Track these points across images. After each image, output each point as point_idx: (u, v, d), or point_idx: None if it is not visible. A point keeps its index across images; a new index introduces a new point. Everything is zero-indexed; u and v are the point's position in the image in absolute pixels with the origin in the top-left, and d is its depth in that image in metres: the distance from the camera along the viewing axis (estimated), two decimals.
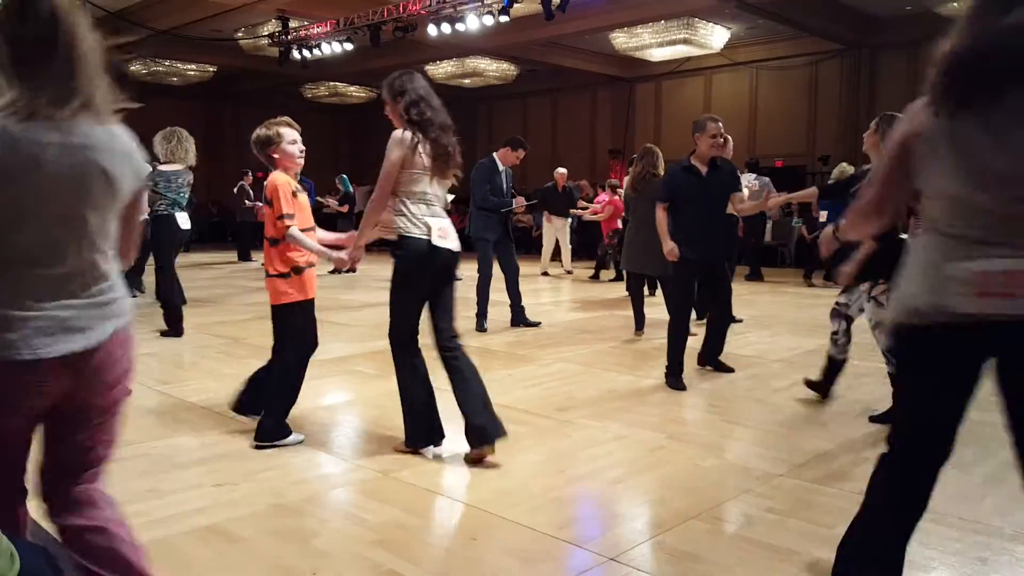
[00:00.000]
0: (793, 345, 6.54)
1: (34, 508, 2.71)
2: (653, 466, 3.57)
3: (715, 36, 15.34)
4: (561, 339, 6.89)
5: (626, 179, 7.57)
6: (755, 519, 2.96)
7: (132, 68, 18.60)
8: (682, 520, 2.94)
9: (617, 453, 3.76)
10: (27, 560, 1.23)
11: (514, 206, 7.37)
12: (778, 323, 7.80)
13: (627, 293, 7.57)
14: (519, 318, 7.51)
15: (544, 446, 3.86)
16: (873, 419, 4.29)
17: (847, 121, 16.46)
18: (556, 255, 13.50)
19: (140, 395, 4.75)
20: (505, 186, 7.32)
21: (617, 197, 12.40)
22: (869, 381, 5.24)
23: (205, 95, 21.55)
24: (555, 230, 12.92)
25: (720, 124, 5.29)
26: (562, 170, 13.03)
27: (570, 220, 12.95)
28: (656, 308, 7.50)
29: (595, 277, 12.50)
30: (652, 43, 15.26)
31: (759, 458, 3.68)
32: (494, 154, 7.34)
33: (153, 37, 15.13)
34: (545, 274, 12.90)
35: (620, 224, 11.94)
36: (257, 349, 6.29)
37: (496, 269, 7.28)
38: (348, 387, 5.18)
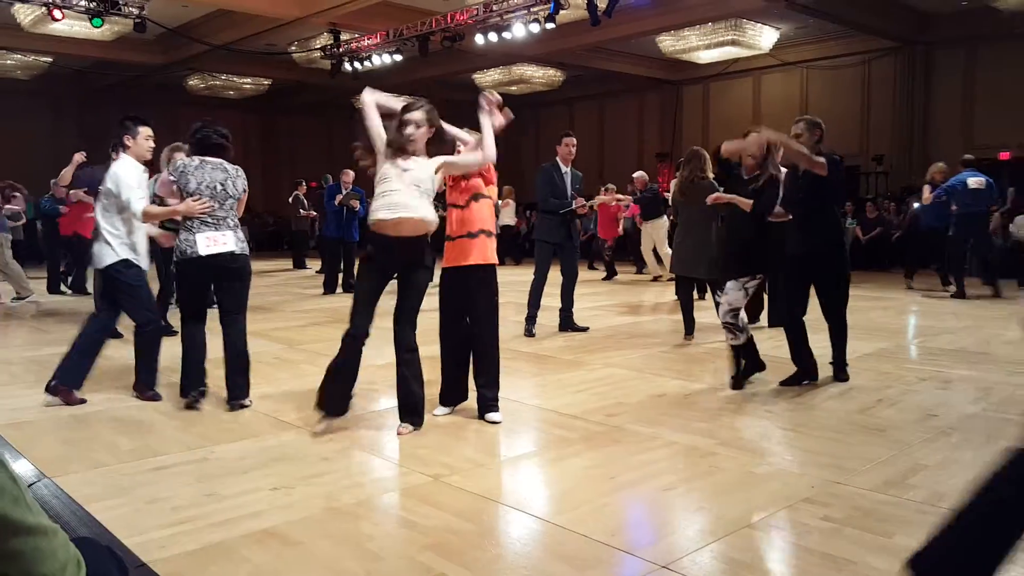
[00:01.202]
0: (849, 349, 6.40)
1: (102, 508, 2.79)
2: (706, 473, 3.54)
3: (764, 37, 15.15)
4: (610, 344, 6.87)
5: (673, 183, 7.52)
6: (810, 527, 2.91)
7: (191, 83, 19.14)
8: (736, 528, 2.91)
9: (668, 459, 3.73)
10: (93, 565, 1.27)
11: (574, 206, 7.29)
12: None
13: (676, 297, 7.51)
14: (567, 323, 7.51)
15: (594, 452, 3.85)
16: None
17: (902, 120, 16.11)
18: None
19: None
20: (569, 188, 7.26)
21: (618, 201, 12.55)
22: (928, 386, 5.13)
23: (260, 107, 22.05)
24: (648, 234, 12.69)
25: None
26: (638, 173, 12.90)
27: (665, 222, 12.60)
28: (706, 312, 7.43)
29: (608, 277, 13.32)
30: (699, 45, 15.15)
31: (814, 465, 3.62)
32: (557, 157, 7.34)
33: (210, 52, 15.56)
34: (656, 279, 12.69)
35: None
36: (312, 355, 6.41)
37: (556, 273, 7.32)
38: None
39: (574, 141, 7.29)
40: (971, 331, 7.35)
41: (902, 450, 3.82)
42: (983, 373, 5.52)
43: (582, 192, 7.48)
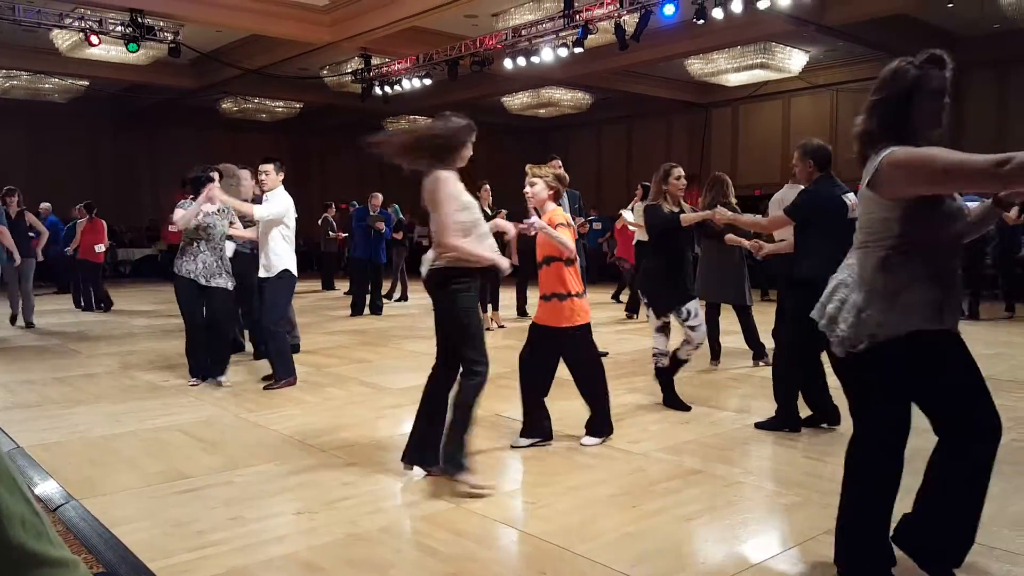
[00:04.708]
0: None
1: (139, 535, 2.81)
2: (730, 502, 3.51)
3: (793, 60, 15.10)
4: (633, 368, 6.82)
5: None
6: (832, 561, 2.86)
7: (224, 106, 19.50)
8: (761, 559, 2.88)
9: (692, 488, 3.70)
10: None
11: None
12: None
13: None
14: None
15: (617, 480, 3.83)
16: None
17: None
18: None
19: (226, 424, 4.94)
20: (566, 210, 7.26)
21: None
22: None
23: (291, 130, 22.37)
24: None
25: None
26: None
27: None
28: (732, 337, 7.38)
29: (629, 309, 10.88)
30: (728, 68, 15.12)
31: (838, 495, 3.55)
32: None
33: (243, 76, 15.85)
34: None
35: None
36: (339, 379, 6.45)
37: None
38: None
39: (558, 163, 7.36)
40: (1002, 358, 7.22)
41: None
42: (1014, 402, 5.41)
43: (582, 210, 7.49)
